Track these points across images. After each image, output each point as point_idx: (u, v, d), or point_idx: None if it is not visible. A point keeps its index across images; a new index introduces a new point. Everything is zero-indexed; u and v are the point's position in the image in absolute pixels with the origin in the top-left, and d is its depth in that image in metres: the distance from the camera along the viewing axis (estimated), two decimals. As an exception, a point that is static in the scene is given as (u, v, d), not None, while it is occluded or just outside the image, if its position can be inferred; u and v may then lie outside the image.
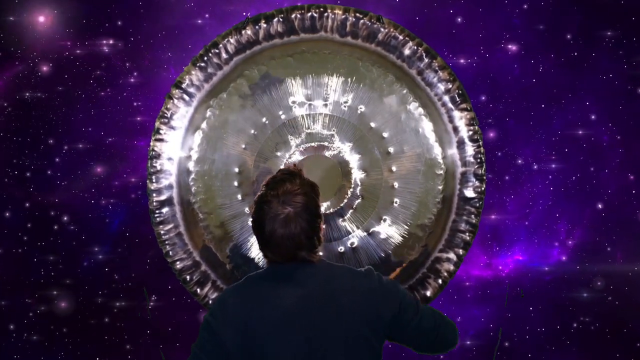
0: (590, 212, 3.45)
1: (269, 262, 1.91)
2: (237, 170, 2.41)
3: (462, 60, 3.40)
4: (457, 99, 2.42)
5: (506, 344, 3.50)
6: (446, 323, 1.99)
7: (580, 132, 3.43)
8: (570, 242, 3.46)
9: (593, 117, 3.42)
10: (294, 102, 2.41)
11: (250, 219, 1.93)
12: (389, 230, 2.43)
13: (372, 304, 1.85)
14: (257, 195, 1.91)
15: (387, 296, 1.88)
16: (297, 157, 2.41)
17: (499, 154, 3.44)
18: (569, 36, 3.40)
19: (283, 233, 1.81)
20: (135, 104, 3.40)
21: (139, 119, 3.40)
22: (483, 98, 3.41)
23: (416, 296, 2.06)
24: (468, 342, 3.51)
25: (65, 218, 3.46)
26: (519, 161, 3.45)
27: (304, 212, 1.83)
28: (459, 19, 3.37)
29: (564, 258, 3.48)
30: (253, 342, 1.78)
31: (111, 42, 3.38)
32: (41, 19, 3.36)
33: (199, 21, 3.34)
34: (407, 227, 2.43)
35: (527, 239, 3.48)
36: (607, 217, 3.45)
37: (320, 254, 1.94)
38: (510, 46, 3.41)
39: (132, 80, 3.39)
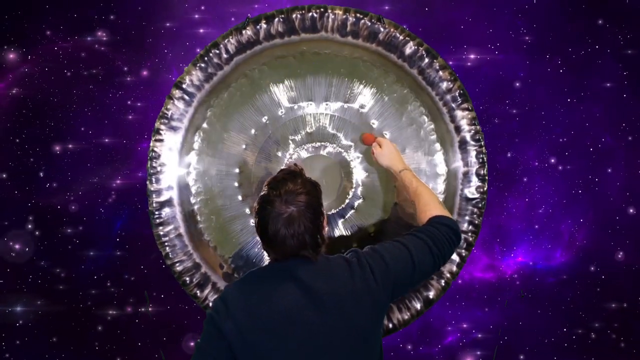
0: (594, 214, 3.43)
1: (271, 260, 1.92)
2: (237, 170, 2.40)
3: (467, 60, 3.39)
4: (459, 99, 2.42)
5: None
6: (442, 247, 1.98)
7: (586, 133, 3.41)
8: (575, 244, 3.44)
9: (599, 118, 3.40)
10: (294, 102, 2.40)
11: (253, 220, 1.92)
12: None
13: (370, 295, 1.85)
14: (259, 195, 1.90)
15: (382, 280, 1.87)
16: (297, 157, 2.40)
17: (506, 155, 3.42)
18: (575, 36, 3.39)
19: (287, 232, 1.81)
20: (136, 104, 3.39)
21: (140, 119, 3.38)
22: (488, 98, 3.39)
23: (404, 244, 1.94)
24: (472, 345, 3.49)
25: (63, 220, 3.43)
26: (524, 162, 3.44)
27: (307, 211, 1.82)
28: (464, 19, 3.36)
29: (565, 260, 3.47)
30: (254, 338, 1.79)
31: (111, 42, 3.36)
32: (40, 18, 3.35)
33: (201, 21, 3.33)
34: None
35: (531, 241, 3.46)
36: (612, 219, 3.43)
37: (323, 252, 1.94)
38: (516, 46, 3.40)
39: (133, 80, 3.37)
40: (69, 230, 3.43)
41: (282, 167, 2.34)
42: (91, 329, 3.45)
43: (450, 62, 3.14)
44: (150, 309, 3.41)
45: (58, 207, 3.42)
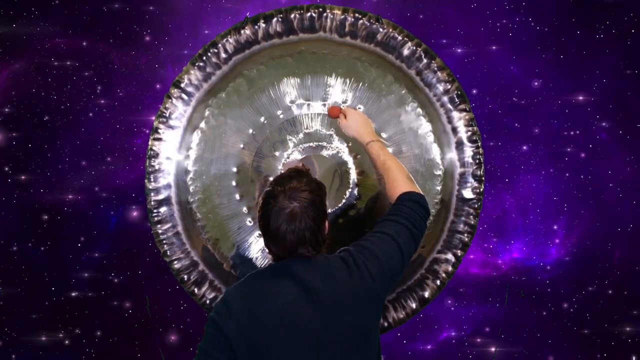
0: (590, 212, 3.43)
1: (272, 258, 1.95)
2: (235, 169, 2.41)
3: (465, 56, 3.39)
4: (456, 100, 2.43)
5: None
6: (419, 226, 2.02)
7: (584, 129, 3.41)
8: (574, 242, 3.45)
9: (594, 115, 3.40)
10: (292, 102, 2.41)
11: (257, 214, 1.95)
12: (387, 231, 2.43)
13: (368, 292, 1.88)
14: (264, 191, 1.93)
15: (378, 276, 1.90)
16: (295, 157, 2.41)
17: (503, 152, 3.42)
18: (574, 31, 3.38)
19: (287, 228, 1.84)
20: (133, 103, 3.39)
21: (137, 118, 3.39)
22: (482, 95, 3.39)
23: (389, 234, 1.97)
24: (468, 343, 3.51)
25: (61, 218, 3.43)
26: (520, 159, 3.44)
27: (310, 209, 1.86)
28: (459, 16, 3.36)
29: (561, 257, 3.47)
30: (254, 336, 1.81)
31: (108, 41, 3.36)
32: (38, 18, 3.35)
33: (199, 20, 3.33)
34: (405, 228, 2.43)
35: (526, 237, 3.46)
36: (611, 217, 3.43)
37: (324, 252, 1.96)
38: (511, 43, 3.39)
39: (130, 79, 3.37)
40: (68, 229, 3.43)
41: (281, 167, 2.39)
42: (87, 329, 3.45)
43: (447, 58, 3.14)
44: (149, 309, 3.42)
45: (59, 206, 3.42)
